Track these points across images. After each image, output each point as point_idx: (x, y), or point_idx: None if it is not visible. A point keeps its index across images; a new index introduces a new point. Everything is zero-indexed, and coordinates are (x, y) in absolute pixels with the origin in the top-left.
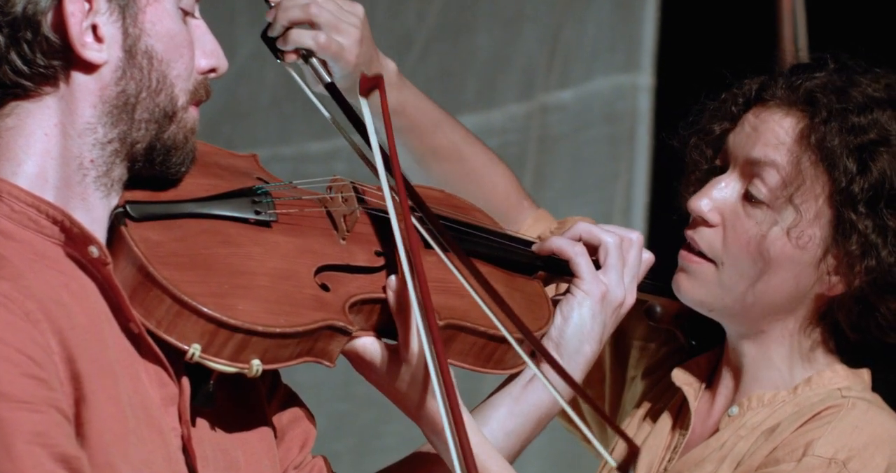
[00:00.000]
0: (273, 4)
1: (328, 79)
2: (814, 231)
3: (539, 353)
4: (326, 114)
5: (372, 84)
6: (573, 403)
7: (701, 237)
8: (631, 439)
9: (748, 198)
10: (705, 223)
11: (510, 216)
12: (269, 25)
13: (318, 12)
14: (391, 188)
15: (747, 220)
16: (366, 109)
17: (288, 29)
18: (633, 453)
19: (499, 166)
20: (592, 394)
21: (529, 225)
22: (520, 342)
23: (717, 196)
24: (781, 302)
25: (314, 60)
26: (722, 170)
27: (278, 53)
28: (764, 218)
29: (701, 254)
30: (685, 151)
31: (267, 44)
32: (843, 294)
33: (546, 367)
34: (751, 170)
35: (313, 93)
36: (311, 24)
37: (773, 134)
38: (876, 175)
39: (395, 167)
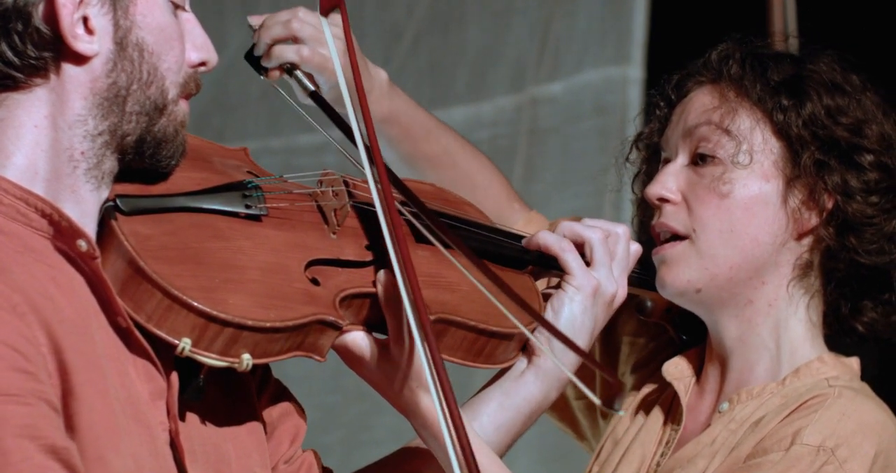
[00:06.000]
0: (256, 27)
1: (311, 88)
2: (767, 159)
3: (542, 326)
4: (313, 122)
5: (333, 3)
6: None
7: (667, 216)
8: (614, 374)
9: (697, 162)
10: (667, 202)
11: (502, 218)
12: (254, 45)
13: (300, 27)
14: (378, 181)
15: (704, 180)
16: (326, 29)
17: (272, 46)
18: (618, 389)
19: (490, 169)
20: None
21: (521, 227)
22: (514, 334)
23: (670, 175)
24: (763, 255)
25: (298, 73)
26: (665, 162)
27: (262, 71)
28: (718, 170)
29: (670, 240)
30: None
31: (251, 64)
32: (819, 227)
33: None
34: (690, 141)
35: (301, 106)
36: (294, 39)
37: (700, 103)
38: (808, 102)
39: (374, 146)
